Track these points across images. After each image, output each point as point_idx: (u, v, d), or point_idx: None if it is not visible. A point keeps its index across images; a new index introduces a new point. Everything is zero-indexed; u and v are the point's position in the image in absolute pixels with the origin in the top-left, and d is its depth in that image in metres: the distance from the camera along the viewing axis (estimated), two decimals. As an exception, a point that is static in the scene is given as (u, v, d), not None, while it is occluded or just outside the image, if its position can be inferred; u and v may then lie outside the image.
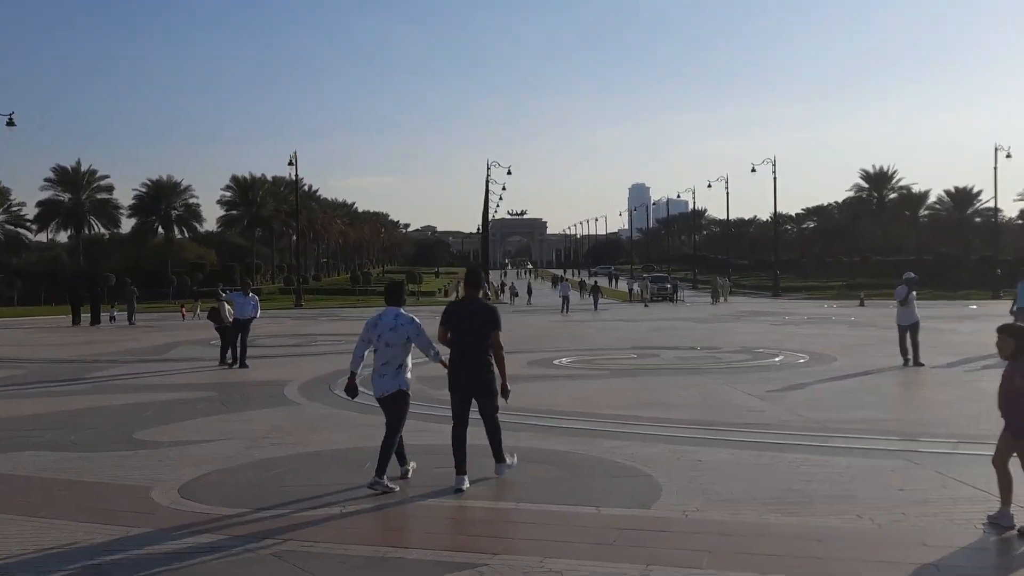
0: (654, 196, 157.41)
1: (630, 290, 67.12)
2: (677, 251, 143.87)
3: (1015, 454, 6.84)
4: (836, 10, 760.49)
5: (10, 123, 42.81)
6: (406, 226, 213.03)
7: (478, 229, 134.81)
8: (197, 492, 8.21)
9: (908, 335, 18.25)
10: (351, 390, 8.65)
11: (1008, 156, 62.61)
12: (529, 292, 65.81)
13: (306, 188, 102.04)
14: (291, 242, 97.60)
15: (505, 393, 8.51)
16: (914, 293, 18.71)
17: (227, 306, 20.42)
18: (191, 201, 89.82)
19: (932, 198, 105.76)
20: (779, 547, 6.36)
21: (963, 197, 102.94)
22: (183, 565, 6.19)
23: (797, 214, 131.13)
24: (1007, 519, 6.74)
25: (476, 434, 8.63)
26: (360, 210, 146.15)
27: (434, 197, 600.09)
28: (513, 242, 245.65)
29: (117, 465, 9.50)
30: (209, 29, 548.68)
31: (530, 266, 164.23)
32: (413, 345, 8.49)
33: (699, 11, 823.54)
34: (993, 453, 6.98)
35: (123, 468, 9.34)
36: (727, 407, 13.09)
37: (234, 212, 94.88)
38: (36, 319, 44.88)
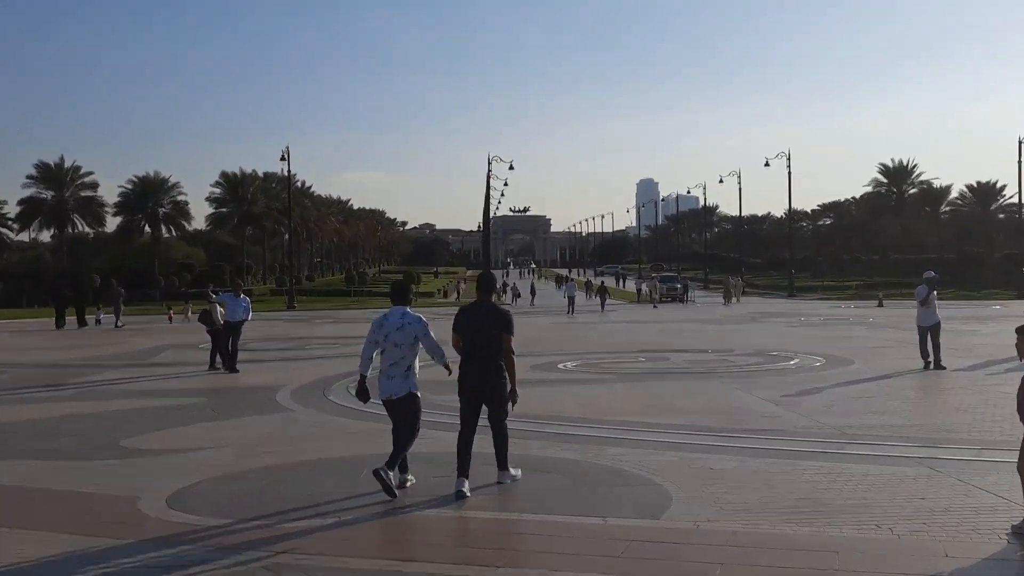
0: (663, 192, 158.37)
1: (638, 290, 67.12)
2: (687, 249, 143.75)
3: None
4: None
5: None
6: (403, 224, 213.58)
7: (479, 227, 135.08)
8: (186, 502, 8.22)
9: (929, 337, 18.23)
10: (362, 394, 8.74)
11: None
12: (532, 293, 65.82)
13: (299, 184, 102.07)
14: (283, 241, 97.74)
15: (513, 398, 8.56)
16: (935, 293, 18.70)
17: (219, 308, 20.45)
18: (179, 198, 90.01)
19: (954, 193, 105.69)
20: (794, 559, 6.36)
21: (986, 192, 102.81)
22: (172, 579, 6.19)
23: (813, 210, 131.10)
24: (1033, 529, 6.74)
25: (482, 442, 8.67)
26: (355, 207, 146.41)
27: (433, 194, 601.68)
28: (515, 240, 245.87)
29: (103, 474, 9.51)
30: (199, 21, 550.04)
31: (533, 265, 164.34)
32: (420, 346, 8.57)
33: (710, 0, 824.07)
34: (1017, 459, 6.98)
35: (109, 477, 9.35)
36: (740, 413, 13.09)
37: (224, 210, 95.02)
38: (18, 322, 44.90)
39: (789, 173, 71.11)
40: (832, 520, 7.26)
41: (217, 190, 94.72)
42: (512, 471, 8.74)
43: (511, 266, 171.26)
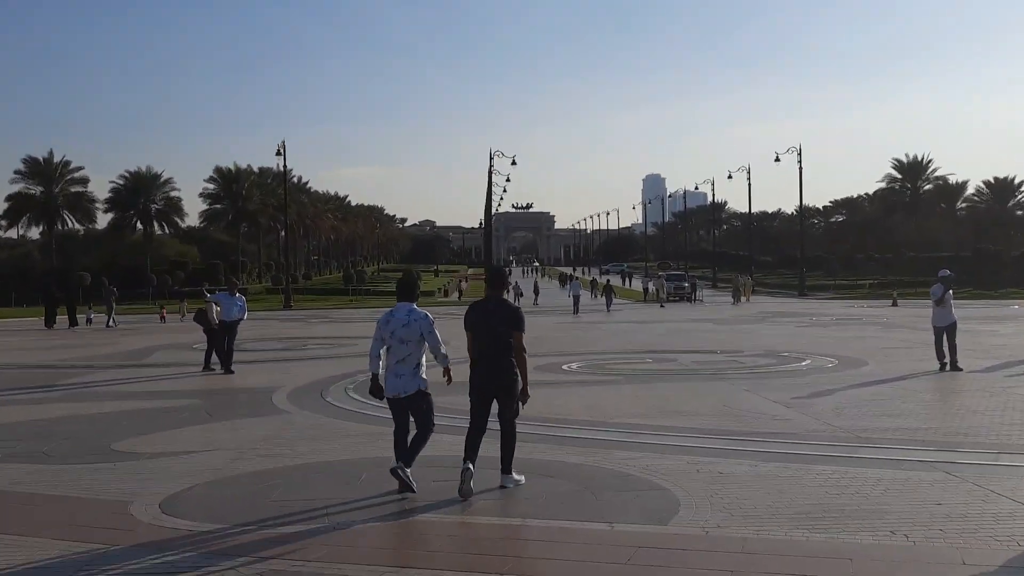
0: (670, 188, 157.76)
1: (645, 289, 67.17)
2: (695, 247, 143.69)
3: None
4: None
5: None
6: (403, 221, 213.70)
7: (480, 224, 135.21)
8: (179, 507, 8.22)
9: (945, 337, 18.22)
10: (376, 391, 8.83)
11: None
12: (536, 292, 65.82)
13: (295, 180, 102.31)
14: (279, 238, 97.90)
15: (524, 397, 8.64)
16: (951, 292, 18.69)
17: (215, 307, 20.47)
18: (172, 194, 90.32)
19: (970, 189, 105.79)
20: (807, 566, 6.35)
21: (1004, 188, 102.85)
22: (165, 586, 6.20)
23: (825, 207, 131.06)
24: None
25: (487, 445, 8.70)
26: (353, 203, 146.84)
27: (433, 189, 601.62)
28: (518, 238, 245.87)
29: (94, 478, 9.51)
30: (190, 9, 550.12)
31: (536, 264, 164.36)
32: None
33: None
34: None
35: (100, 481, 9.36)
36: (750, 415, 13.08)
37: (218, 206, 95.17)
38: (6, 321, 45.00)
39: (800, 168, 71.18)
40: (845, 526, 7.25)
41: (211, 186, 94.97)
42: (516, 476, 8.75)
43: (514, 264, 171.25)
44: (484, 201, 78.60)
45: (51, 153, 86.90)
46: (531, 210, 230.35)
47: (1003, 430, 11.54)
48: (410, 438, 8.75)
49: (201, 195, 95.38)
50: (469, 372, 8.68)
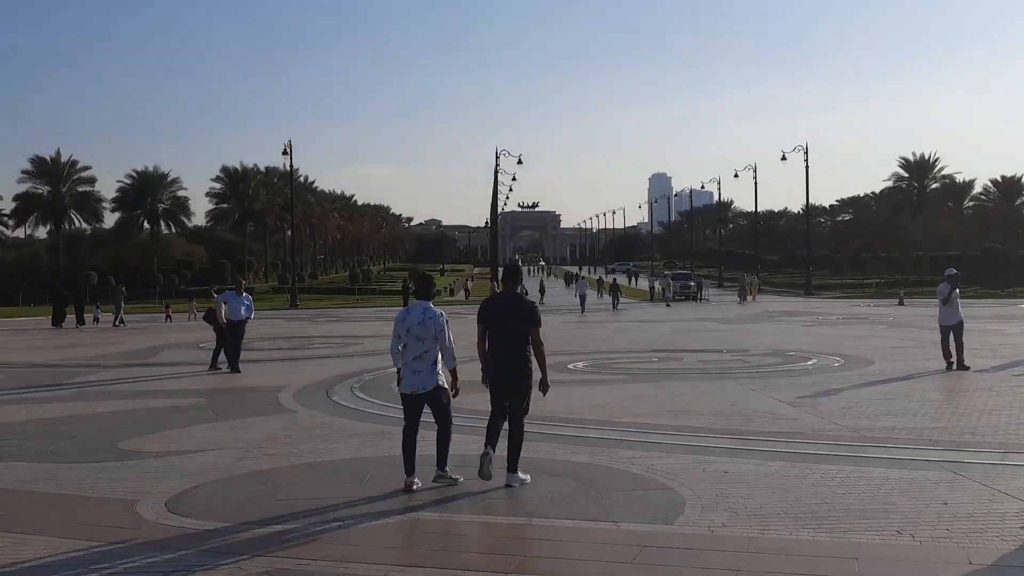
0: (676, 187, 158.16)
1: (651, 288, 67.06)
2: (701, 246, 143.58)
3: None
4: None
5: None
6: (409, 220, 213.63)
7: (486, 223, 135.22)
8: (186, 506, 8.24)
9: (951, 336, 18.18)
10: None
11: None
12: (542, 291, 65.74)
13: (301, 179, 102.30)
14: (285, 237, 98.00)
15: (543, 387, 8.85)
16: (957, 291, 18.64)
17: (223, 306, 20.49)
18: (179, 194, 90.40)
19: (977, 188, 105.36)
20: (813, 566, 6.34)
21: (1011, 187, 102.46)
22: (171, 584, 6.21)
23: (831, 206, 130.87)
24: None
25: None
26: (359, 203, 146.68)
27: (439, 189, 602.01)
28: (524, 237, 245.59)
29: (100, 477, 9.53)
30: (198, 9, 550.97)
31: (542, 263, 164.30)
32: None
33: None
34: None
35: (107, 480, 9.38)
36: (756, 414, 13.07)
37: (224, 206, 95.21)
38: (14, 320, 45.15)
39: (807, 167, 71.03)
40: (851, 526, 7.24)
41: (217, 185, 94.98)
42: (521, 475, 8.76)
43: (520, 263, 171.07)
44: (490, 200, 78.53)
45: (58, 153, 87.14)
46: (537, 209, 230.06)
47: (1010, 429, 11.51)
48: (418, 437, 8.78)
49: (208, 195, 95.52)
50: (484, 365, 8.86)
